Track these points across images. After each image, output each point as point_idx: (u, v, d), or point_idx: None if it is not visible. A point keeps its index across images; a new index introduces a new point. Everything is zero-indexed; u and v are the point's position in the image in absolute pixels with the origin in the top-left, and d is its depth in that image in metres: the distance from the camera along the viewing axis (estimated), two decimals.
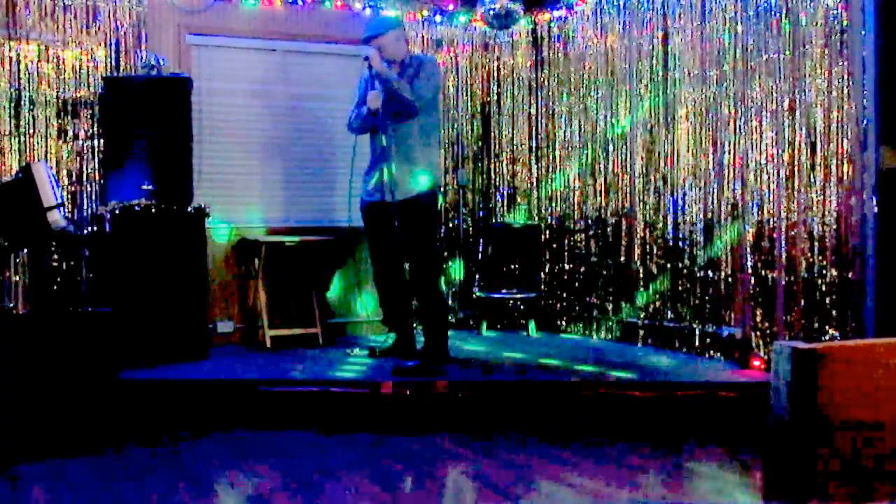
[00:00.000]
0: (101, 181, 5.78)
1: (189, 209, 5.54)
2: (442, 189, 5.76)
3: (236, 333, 6.26)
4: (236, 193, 6.38)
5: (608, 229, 6.36)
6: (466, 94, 7.02)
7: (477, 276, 6.78)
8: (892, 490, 1.98)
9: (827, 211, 4.68)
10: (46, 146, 5.72)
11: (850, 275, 4.58)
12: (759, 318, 5.07)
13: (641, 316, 6.05)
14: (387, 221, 5.35)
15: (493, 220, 7.04)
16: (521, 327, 6.83)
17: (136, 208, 5.39)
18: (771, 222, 5.02)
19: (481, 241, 6.84)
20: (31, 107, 5.67)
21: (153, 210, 5.41)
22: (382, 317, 5.80)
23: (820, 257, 4.72)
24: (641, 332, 6.04)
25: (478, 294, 6.75)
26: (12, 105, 5.61)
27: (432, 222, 5.46)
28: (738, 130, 5.24)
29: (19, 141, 5.64)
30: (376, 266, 5.58)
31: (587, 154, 6.53)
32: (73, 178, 5.80)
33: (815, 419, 1.93)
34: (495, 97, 7.10)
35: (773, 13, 4.98)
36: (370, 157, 5.50)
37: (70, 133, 5.79)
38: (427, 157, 5.33)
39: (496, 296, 6.72)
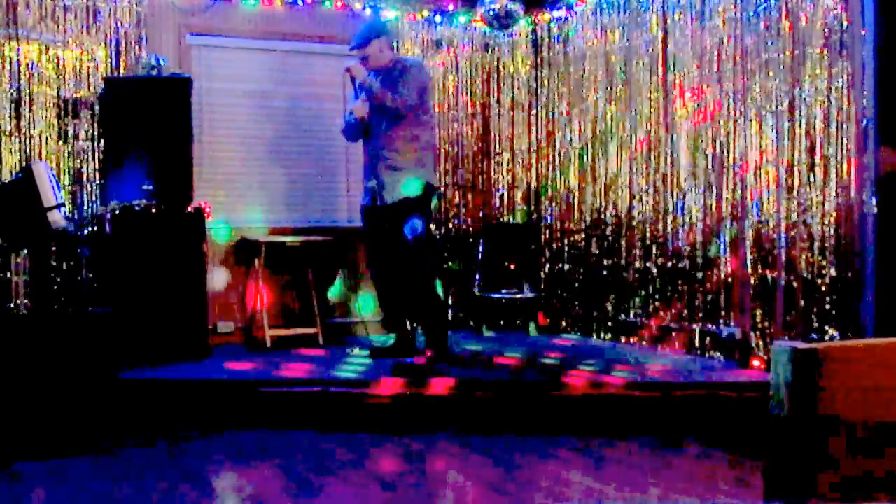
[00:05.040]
0: (101, 181, 5.78)
1: (189, 209, 5.54)
2: (438, 190, 5.75)
3: (236, 333, 6.26)
4: (236, 193, 6.38)
5: (608, 229, 6.36)
6: (466, 94, 7.01)
7: (477, 276, 6.78)
8: (892, 490, 1.98)
9: (827, 211, 4.68)
10: (46, 146, 5.72)
11: (849, 275, 4.58)
12: (759, 318, 5.07)
13: (641, 316, 6.05)
14: (380, 225, 5.43)
15: (493, 220, 7.04)
16: (521, 327, 6.83)
17: (136, 208, 5.39)
18: (771, 222, 5.02)
19: (481, 241, 6.84)
20: (31, 107, 5.67)
21: (153, 210, 5.41)
22: (382, 317, 5.81)
23: (820, 257, 4.71)
24: (641, 332, 6.04)
25: (478, 294, 6.75)
26: (12, 105, 5.61)
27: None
28: (738, 130, 5.25)
29: (19, 141, 5.64)
30: (373, 268, 5.63)
31: (587, 154, 6.53)
32: (73, 178, 5.79)
33: (815, 419, 1.93)
34: (495, 97, 7.10)
35: (773, 13, 4.99)
36: (365, 161, 5.56)
37: (70, 133, 5.78)
38: (417, 159, 5.35)
39: (496, 296, 6.72)
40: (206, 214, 5.62)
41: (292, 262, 6.25)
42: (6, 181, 5.32)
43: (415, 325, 5.74)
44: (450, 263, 6.82)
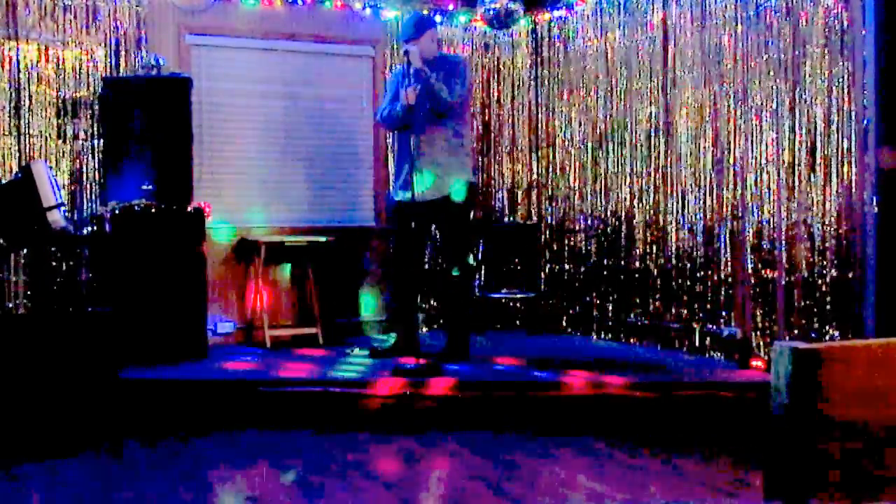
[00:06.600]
0: (101, 181, 5.79)
1: (189, 209, 5.54)
2: (478, 187, 5.74)
3: (236, 333, 6.26)
4: (236, 193, 6.38)
5: (608, 229, 6.36)
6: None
7: (477, 276, 6.78)
8: (892, 491, 1.98)
9: (827, 211, 4.69)
10: (46, 146, 5.72)
11: (850, 275, 4.58)
12: (759, 318, 5.07)
13: (641, 316, 6.05)
14: (416, 220, 5.39)
15: (493, 220, 7.04)
16: (521, 327, 6.82)
17: (136, 208, 5.39)
18: (771, 222, 5.02)
19: (481, 240, 6.84)
20: (31, 107, 5.67)
21: (153, 210, 5.41)
22: (389, 314, 5.80)
23: (820, 257, 4.72)
24: (641, 332, 6.04)
25: (478, 294, 6.74)
26: (12, 105, 5.61)
27: (465, 221, 5.46)
28: (738, 130, 5.25)
29: (19, 141, 5.64)
30: (399, 262, 5.56)
31: (587, 154, 6.53)
32: (73, 178, 5.80)
33: (815, 419, 1.93)
34: (495, 97, 7.10)
35: (773, 13, 4.99)
36: (397, 155, 5.52)
37: (70, 133, 5.78)
38: (459, 156, 5.34)
39: (496, 296, 6.72)
40: (206, 214, 5.62)
41: (292, 262, 6.25)
42: (6, 181, 5.33)
43: (417, 324, 5.76)
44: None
